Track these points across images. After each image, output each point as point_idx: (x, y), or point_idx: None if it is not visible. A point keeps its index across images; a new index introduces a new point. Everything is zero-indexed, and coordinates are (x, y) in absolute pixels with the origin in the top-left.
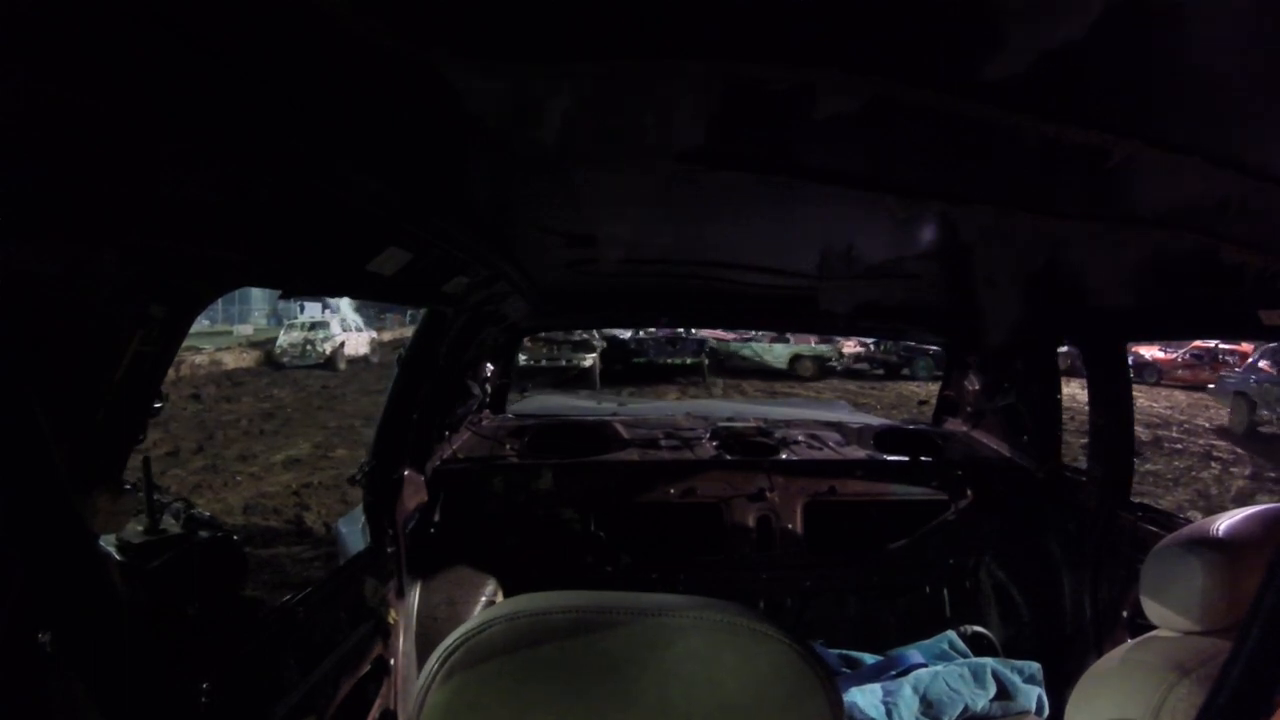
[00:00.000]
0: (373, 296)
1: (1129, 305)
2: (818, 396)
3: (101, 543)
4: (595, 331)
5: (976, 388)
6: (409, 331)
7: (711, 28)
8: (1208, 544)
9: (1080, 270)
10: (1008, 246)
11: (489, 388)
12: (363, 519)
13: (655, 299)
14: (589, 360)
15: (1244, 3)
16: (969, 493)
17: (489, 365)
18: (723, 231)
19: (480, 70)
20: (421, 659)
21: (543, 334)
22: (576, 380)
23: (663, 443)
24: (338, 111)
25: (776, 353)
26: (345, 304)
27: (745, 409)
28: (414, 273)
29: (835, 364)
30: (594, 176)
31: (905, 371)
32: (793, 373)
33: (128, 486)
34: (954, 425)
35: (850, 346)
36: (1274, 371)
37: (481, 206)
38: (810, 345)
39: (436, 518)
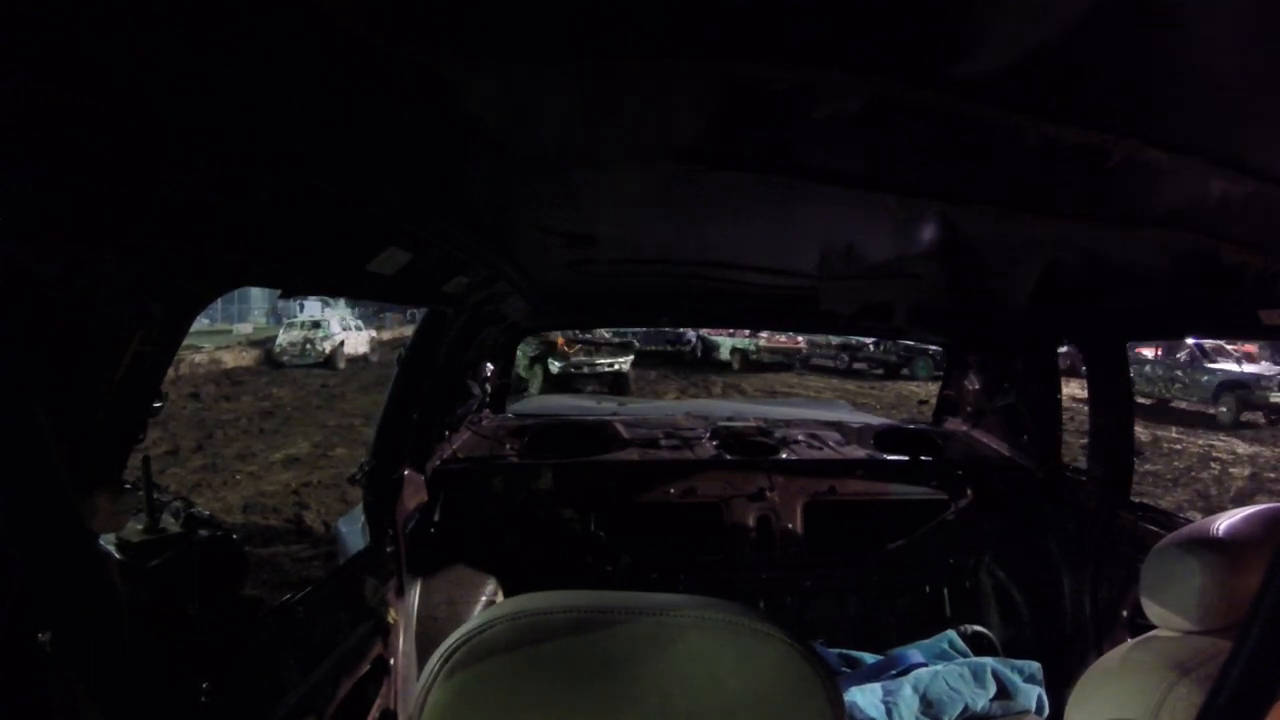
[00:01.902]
0: (373, 296)
1: (1129, 305)
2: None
3: (101, 542)
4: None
5: (976, 388)
6: (409, 330)
7: (711, 28)
8: (1207, 544)
9: (1080, 270)
10: (1008, 246)
11: (489, 387)
12: (363, 518)
13: (655, 299)
14: (625, 364)
15: (1244, 2)
16: (969, 492)
17: (489, 365)
18: (723, 231)
19: (480, 70)
20: (421, 659)
21: (583, 336)
22: (613, 387)
23: (663, 442)
24: (338, 111)
25: (725, 346)
26: (320, 303)
27: (745, 409)
28: (414, 273)
29: (754, 355)
30: (594, 176)
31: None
32: (729, 364)
33: (127, 486)
34: (954, 425)
35: (779, 340)
36: (1150, 356)
37: (481, 206)
38: (741, 339)
39: (436, 517)
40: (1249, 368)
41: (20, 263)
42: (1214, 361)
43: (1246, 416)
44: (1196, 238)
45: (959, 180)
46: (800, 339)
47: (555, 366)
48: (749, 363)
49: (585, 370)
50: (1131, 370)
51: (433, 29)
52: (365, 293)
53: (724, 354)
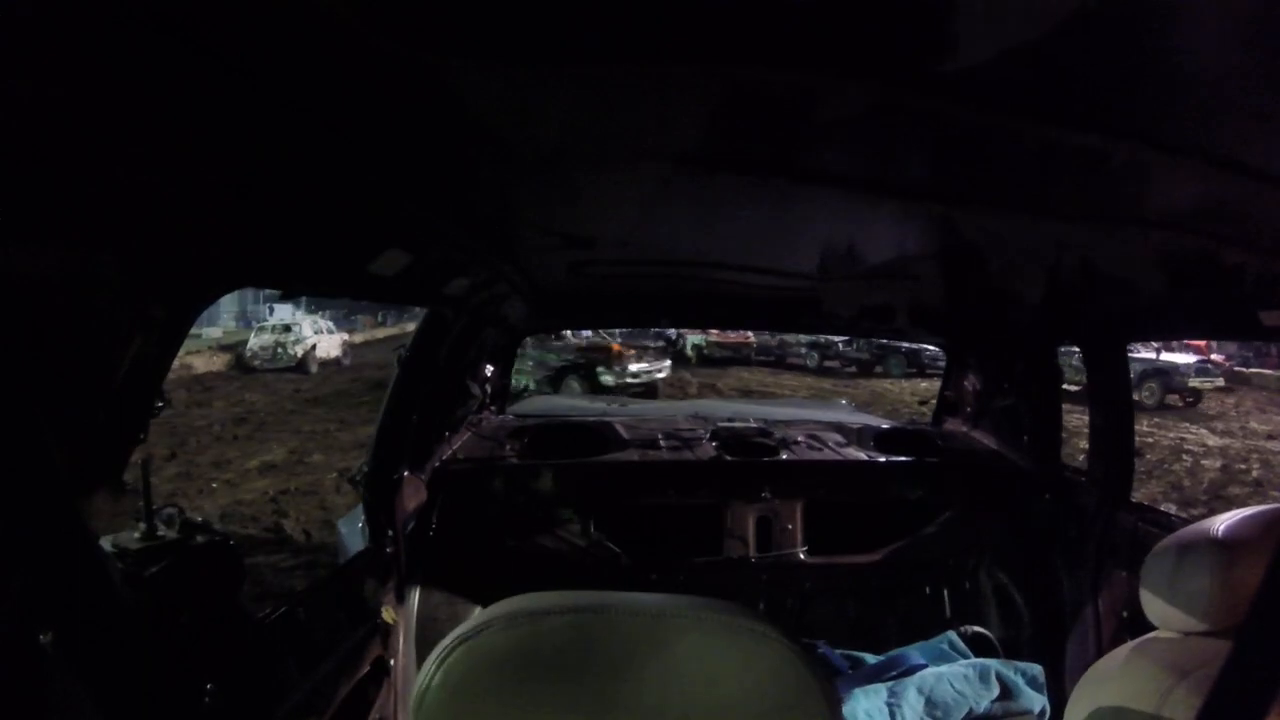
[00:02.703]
0: (373, 297)
1: (1129, 306)
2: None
3: (102, 545)
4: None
5: (976, 388)
6: (380, 333)
7: (712, 30)
8: (1208, 544)
9: (1080, 271)
10: (1008, 247)
11: (489, 388)
12: (362, 519)
13: (656, 300)
14: (665, 370)
15: (1244, 3)
16: (969, 493)
17: (489, 366)
18: (723, 233)
19: (481, 72)
20: (421, 660)
21: (634, 341)
22: (646, 394)
23: (663, 443)
24: (338, 112)
25: (689, 342)
26: (291, 306)
27: (745, 409)
28: (414, 273)
29: (706, 351)
30: (594, 178)
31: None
32: (690, 358)
33: (128, 488)
34: (954, 425)
35: (728, 336)
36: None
37: (482, 208)
38: (697, 336)
39: (436, 518)
40: (1166, 356)
41: (20, 263)
42: (1135, 351)
43: (1169, 400)
44: (1196, 238)
45: (959, 182)
46: (750, 335)
47: (608, 378)
48: (702, 357)
49: (641, 378)
50: (1063, 358)
51: (434, 31)
52: (365, 293)
53: (688, 350)
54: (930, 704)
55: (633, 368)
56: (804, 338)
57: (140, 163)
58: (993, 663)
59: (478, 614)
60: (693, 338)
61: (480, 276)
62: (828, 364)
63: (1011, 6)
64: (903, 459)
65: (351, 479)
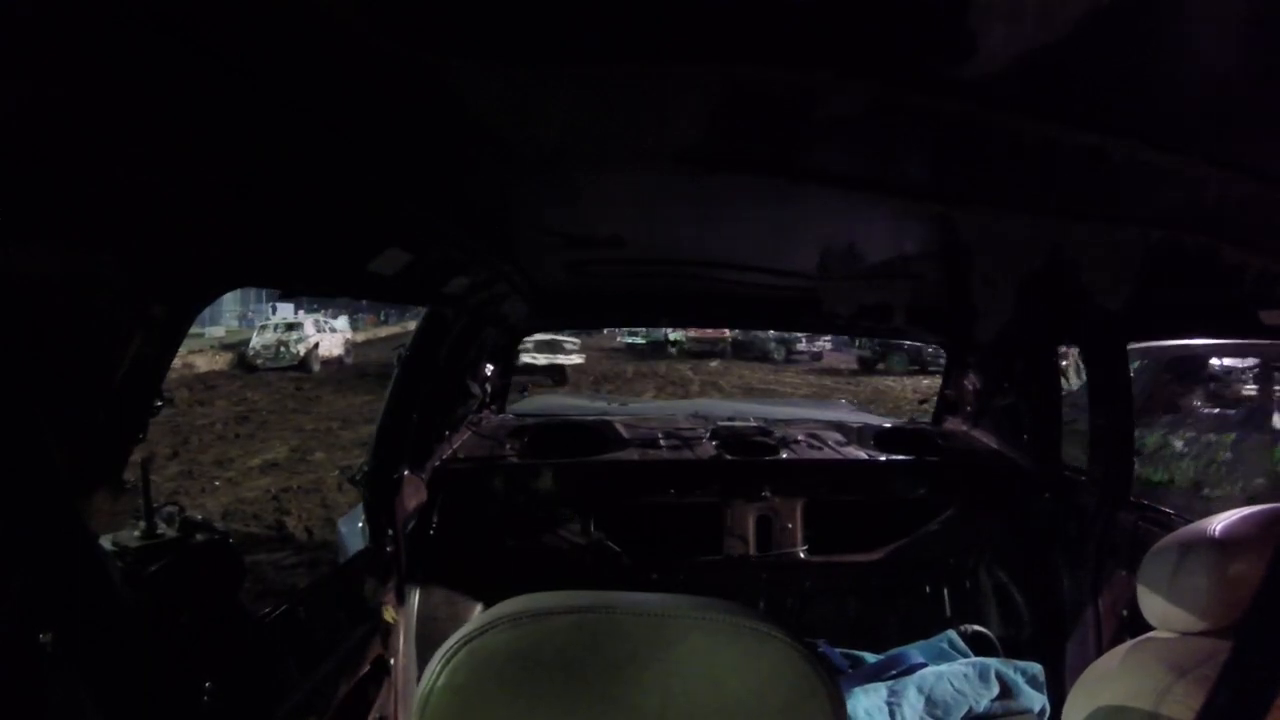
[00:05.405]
0: (373, 296)
1: (1129, 305)
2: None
3: (101, 543)
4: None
5: (976, 387)
6: (383, 331)
7: (712, 30)
8: (1206, 544)
9: (1080, 270)
10: (1008, 247)
11: (489, 388)
12: (362, 518)
13: (655, 300)
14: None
15: (1243, 2)
16: (969, 493)
17: (489, 365)
18: (723, 232)
19: (481, 72)
20: (421, 660)
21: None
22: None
23: (663, 442)
24: (339, 112)
25: (673, 338)
26: (292, 305)
27: (746, 409)
28: (414, 273)
29: (685, 345)
30: (594, 178)
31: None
32: (673, 352)
33: (128, 486)
34: (954, 425)
35: (706, 332)
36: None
37: (482, 208)
38: (678, 333)
39: (436, 518)
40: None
41: (20, 263)
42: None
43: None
44: (1196, 238)
45: (959, 181)
46: (725, 331)
47: None
48: (683, 351)
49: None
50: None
51: (434, 31)
52: (366, 293)
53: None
54: (930, 703)
55: None
56: (773, 332)
57: (140, 163)
58: (992, 662)
59: (481, 614)
60: (674, 334)
61: (480, 276)
62: (794, 355)
63: (1011, 6)
64: (903, 458)
65: (352, 478)
